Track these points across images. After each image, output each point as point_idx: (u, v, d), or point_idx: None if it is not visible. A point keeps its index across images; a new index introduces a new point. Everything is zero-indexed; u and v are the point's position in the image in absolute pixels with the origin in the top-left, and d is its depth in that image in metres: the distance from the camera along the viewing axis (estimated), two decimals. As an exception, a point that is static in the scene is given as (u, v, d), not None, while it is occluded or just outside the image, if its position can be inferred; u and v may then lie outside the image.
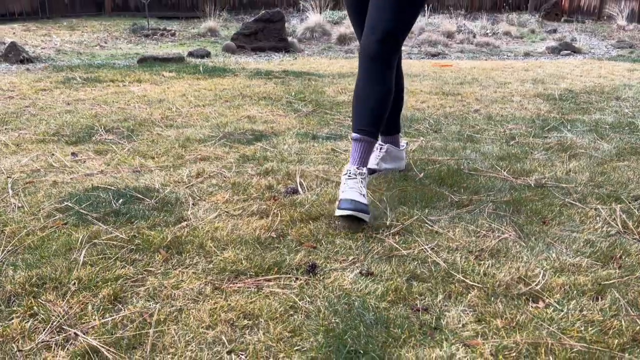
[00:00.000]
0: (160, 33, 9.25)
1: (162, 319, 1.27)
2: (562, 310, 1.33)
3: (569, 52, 8.49)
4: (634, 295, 1.39)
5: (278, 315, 1.30)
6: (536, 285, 1.44)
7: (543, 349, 1.18)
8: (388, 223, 1.83)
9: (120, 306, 1.32)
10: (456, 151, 2.75)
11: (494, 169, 2.45)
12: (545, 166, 2.51)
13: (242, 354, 1.16)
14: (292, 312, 1.32)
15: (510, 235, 1.76)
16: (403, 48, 8.89)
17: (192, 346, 1.17)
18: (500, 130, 3.21)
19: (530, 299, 1.39)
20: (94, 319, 1.25)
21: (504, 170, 2.42)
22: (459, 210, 1.97)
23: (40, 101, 3.84)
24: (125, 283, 1.42)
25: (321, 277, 1.48)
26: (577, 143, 2.92)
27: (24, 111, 3.51)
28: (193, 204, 1.98)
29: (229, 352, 1.16)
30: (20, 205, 1.92)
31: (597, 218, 1.90)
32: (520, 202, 2.03)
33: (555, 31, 10.84)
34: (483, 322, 1.29)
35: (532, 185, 2.24)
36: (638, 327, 1.25)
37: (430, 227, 1.81)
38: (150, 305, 1.33)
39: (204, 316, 1.28)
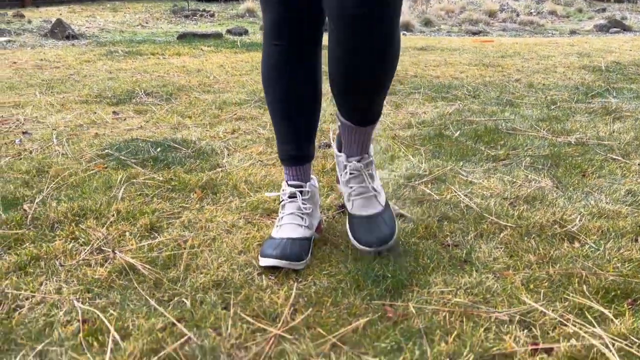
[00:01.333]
0: (199, 14, 9.37)
1: (196, 245, 1.30)
2: (599, 249, 1.29)
3: (618, 29, 8.16)
4: (676, 237, 1.35)
5: (308, 245, 1.31)
6: (572, 227, 1.41)
7: (576, 280, 1.15)
8: (420, 173, 1.82)
9: (156, 234, 1.36)
10: (495, 114, 2.69)
11: (533, 129, 2.39)
12: (588, 127, 2.43)
13: (271, 276, 1.18)
14: (321, 244, 1.33)
15: (547, 184, 1.72)
16: (443, 27, 8.69)
17: (224, 267, 1.20)
18: (542, 97, 3.12)
19: (566, 239, 1.36)
20: (131, 244, 1.30)
21: (544, 130, 2.36)
22: (495, 163, 1.93)
23: (84, 70, 3.96)
24: (162, 215, 1.46)
25: (352, 216, 1.49)
26: (622, 108, 2.81)
27: (68, 78, 3.63)
28: (228, 154, 2.02)
29: (259, 274, 1.18)
30: (63, 152, 2.00)
31: (641, 171, 1.83)
32: (560, 157, 1.98)
33: (604, 10, 10.42)
34: (515, 257, 1.27)
35: (573, 142, 2.18)
36: (679, 264, 1.21)
37: (464, 177, 1.78)
38: (185, 233, 1.36)
39: (237, 243, 1.31)
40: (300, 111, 1.32)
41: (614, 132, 2.35)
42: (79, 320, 1.00)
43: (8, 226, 1.36)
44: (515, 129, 2.38)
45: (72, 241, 1.30)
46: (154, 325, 0.99)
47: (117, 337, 0.95)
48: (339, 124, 1.28)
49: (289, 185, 1.33)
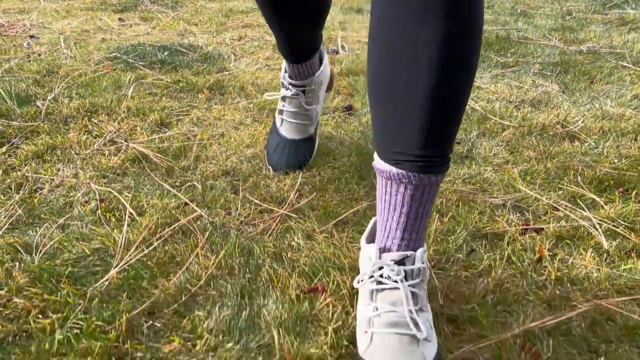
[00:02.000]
0: None
1: (205, 139, 1.34)
2: (598, 147, 1.32)
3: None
4: (675, 136, 1.37)
5: (314, 140, 1.35)
6: (574, 127, 1.43)
7: (572, 172, 1.19)
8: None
9: (166, 129, 1.40)
10: (507, 23, 2.63)
11: (545, 38, 2.34)
12: (601, 37, 2.38)
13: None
14: (327, 141, 1.36)
15: (553, 89, 1.72)
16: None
17: (232, 159, 1.25)
18: (557, 8, 3.03)
19: (567, 138, 1.38)
20: (143, 137, 1.34)
21: (556, 39, 2.32)
22: (504, 69, 1.92)
23: (88, -22, 3.85)
24: (171, 112, 1.50)
25: (357, 116, 1.51)
26: (639, 19, 2.73)
27: (72, -14, 3.54)
28: (235, 59, 2.02)
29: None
30: (72, 55, 2.00)
31: (650, 78, 1.82)
32: (569, 64, 1.96)
33: None
34: (515, 153, 1.30)
35: (584, 51, 2.15)
36: (675, 159, 1.24)
37: (471, 82, 1.78)
38: (194, 129, 1.40)
39: (244, 138, 1.35)
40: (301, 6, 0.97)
41: (627, 41, 2.30)
42: (96, 200, 1.07)
43: (23, 119, 1.41)
44: (526, 38, 2.34)
45: (86, 133, 1.35)
46: (167, 205, 1.05)
47: (133, 213, 1.02)
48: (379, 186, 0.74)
49: (290, 83, 1.20)
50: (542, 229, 1.00)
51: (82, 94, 1.60)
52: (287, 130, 1.23)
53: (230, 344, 0.74)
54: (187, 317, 0.78)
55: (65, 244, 0.93)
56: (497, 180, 1.17)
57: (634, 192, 1.10)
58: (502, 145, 1.34)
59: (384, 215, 0.73)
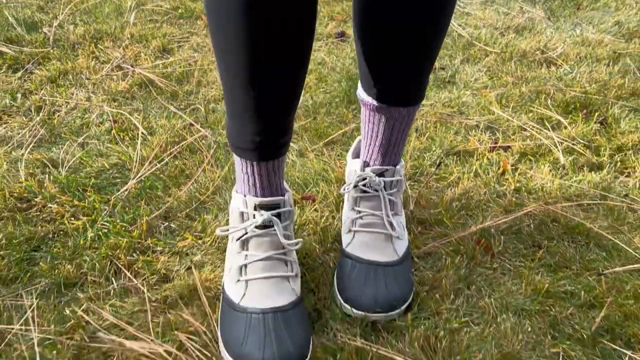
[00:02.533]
0: None
1: (205, 65, 1.43)
2: (572, 72, 1.42)
3: None
4: (645, 62, 1.46)
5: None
6: (553, 53, 1.52)
7: (544, 96, 1.30)
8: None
9: (168, 55, 1.49)
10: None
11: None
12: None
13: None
14: (320, 67, 1.46)
15: (539, 16, 1.78)
16: None
17: (231, 83, 1.35)
18: None
19: (544, 63, 1.47)
20: (147, 62, 1.43)
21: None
22: (493, -5, 1.97)
23: None
24: (172, 39, 1.57)
25: (349, 43, 1.59)
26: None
27: None
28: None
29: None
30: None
31: (636, 5, 1.88)
32: (558, -10, 2.01)
33: None
34: (494, 78, 1.40)
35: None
36: (639, 84, 1.34)
37: (461, 9, 1.84)
38: (194, 55, 1.49)
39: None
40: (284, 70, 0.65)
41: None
42: (110, 121, 1.18)
43: (33, 45, 1.49)
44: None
45: (94, 59, 1.44)
46: (174, 125, 1.16)
47: (145, 132, 1.14)
48: (363, 114, 0.81)
49: (256, 205, 0.74)
50: (509, 147, 1.12)
51: (86, 21, 1.67)
52: (256, 297, 0.72)
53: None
54: (197, 220, 0.92)
55: (86, 159, 1.06)
56: (475, 103, 1.28)
57: (595, 114, 1.22)
58: (483, 71, 1.43)
59: (367, 139, 0.82)
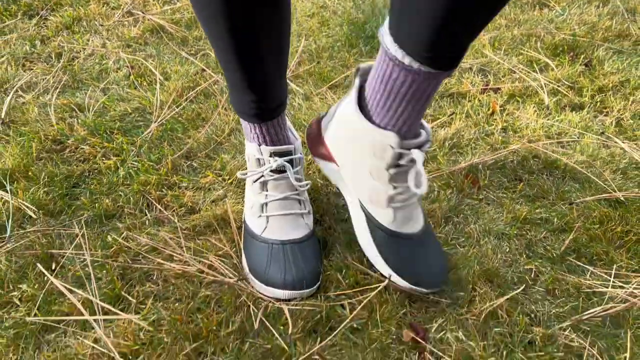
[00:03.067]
0: None
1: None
2: (563, 14, 1.48)
3: None
4: (634, 4, 1.52)
5: (310, 13, 1.50)
6: (547, -5, 1.57)
7: (534, 39, 1.37)
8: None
9: (175, 0, 1.54)
10: None
11: None
12: None
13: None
14: (322, 10, 1.52)
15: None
16: None
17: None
18: None
19: (537, 6, 1.53)
20: (156, 8, 1.49)
21: None
22: None
23: None
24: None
25: (350, -15, 1.64)
26: None
27: None
28: None
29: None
30: None
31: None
32: None
33: None
34: (490, 23, 1.46)
35: None
36: (626, 26, 1.41)
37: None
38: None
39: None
40: (272, 48, 0.71)
41: None
42: (127, 67, 1.26)
43: (45, -8, 1.54)
44: None
45: (104, 5, 1.49)
46: (187, 71, 1.25)
47: (161, 78, 1.22)
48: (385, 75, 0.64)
49: (271, 152, 0.82)
50: (499, 88, 1.21)
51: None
52: (276, 230, 0.83)
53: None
54: (216, 159, 1.02)
55: (109, 103, 1.15)
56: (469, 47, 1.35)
57: (582, 56, 1.30)
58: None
59: (399, 103, 0.66)
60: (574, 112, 1.15)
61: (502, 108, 1.16)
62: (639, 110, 1.15)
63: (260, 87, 0.74)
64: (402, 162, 0.71)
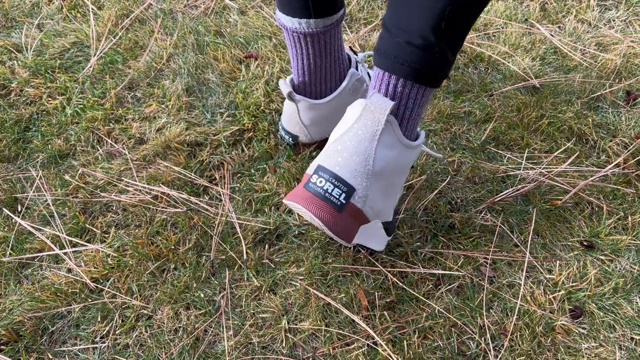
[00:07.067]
0: None
1: None
2: None
3: None
4: None
5: None
6: None
7: None
8: None
9: None
10: None
11: None
12: None
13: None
14: None
15: None
16: None
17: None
18: None
19: None
20: None
21: None
22: None
23: None
24: None
25: None
26: None
27: None
28: None
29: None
30: None
31: None
32: None
33: None
34: None
35: None
36: None
37: None
38: None
39: None
40: None
41: None
42: (58, -1, 1.25)
43: None
44: None
45: None
46: (119, -3, 1.24)
47: (94, 8, 1.22)
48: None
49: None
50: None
51: None
52: None
53: (192, 99, 1.04)
54: (158, 87, 1.06)
55: (47, 40, 1.16)
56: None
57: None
58: None
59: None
60: (500, 0, 1.18)
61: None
62: (564, -8, 1.18)
63: None
64: None
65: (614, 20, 1.16)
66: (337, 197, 0.64)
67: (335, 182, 0.64)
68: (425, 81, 0.62)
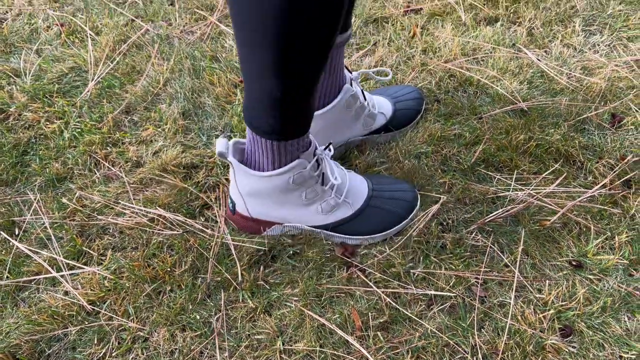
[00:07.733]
0: None
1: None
2: None
3: None
4: None
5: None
6: None
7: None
8: None
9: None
10: None
11: None
12: None
13: None
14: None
15: None
16: None
17: (163, -30, 1.41)
18: None
19: None
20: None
21: None
22: None
23: None
24: None
25: None
26: None
27: None
28: None
29: (194, -28, 1.40)
30: None
31: None
32: None
33: None
34: None
35: None
36: None
37: None
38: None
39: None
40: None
41: None
42: (56, 25, 1.27)
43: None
44: None
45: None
46: (117, 23, 1.26)
47: (92, 33, 1.24)
48: None
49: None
50: (421, 8, 1.26)
51: None
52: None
53: (188, 122, 1.06)
54: (154, 111, 1.08)
55: (45, 65, 1.18)
56: (392, -34, 1.38)
57: (499, -33, 1.34)
58: None
59: None
60: (488, 26, 1.21)
61: (423, 29, 1.22)
62: (549, 17, 1.22)
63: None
64: None
65: (598, 45, 1.19)
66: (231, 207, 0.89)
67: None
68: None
